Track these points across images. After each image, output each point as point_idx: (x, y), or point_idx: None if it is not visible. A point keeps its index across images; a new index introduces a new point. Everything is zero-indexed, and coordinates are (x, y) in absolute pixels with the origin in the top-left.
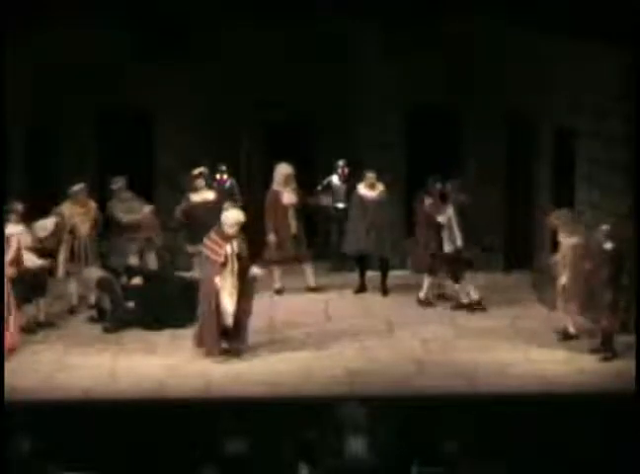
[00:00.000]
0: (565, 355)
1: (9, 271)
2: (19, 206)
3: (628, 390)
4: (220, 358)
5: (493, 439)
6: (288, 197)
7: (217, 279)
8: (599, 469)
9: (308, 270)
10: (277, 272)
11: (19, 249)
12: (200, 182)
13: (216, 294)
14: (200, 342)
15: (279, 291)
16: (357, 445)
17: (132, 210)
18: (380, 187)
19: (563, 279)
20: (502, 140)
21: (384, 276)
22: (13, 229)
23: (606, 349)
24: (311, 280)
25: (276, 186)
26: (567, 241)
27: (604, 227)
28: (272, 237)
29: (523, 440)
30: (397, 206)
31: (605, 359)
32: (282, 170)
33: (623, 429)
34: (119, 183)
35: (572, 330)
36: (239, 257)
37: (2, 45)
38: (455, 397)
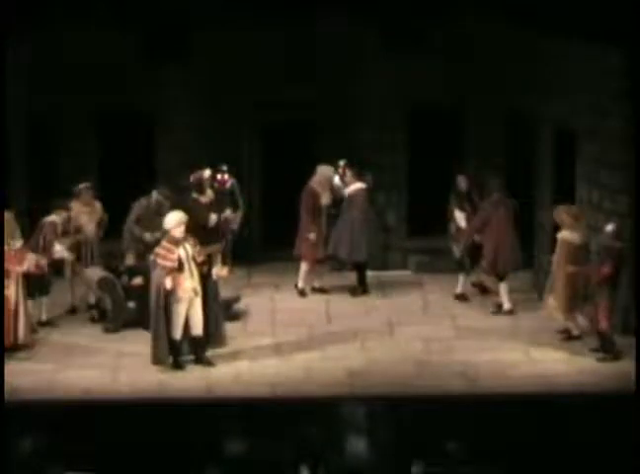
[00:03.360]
0: (565, 354)
1: (39, 260)
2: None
3: (628, 390)
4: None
5: (493, 439)
6: (326, 198)
7: (168, 285)
8: (598, 469)
9: (320, 270)
10: (304, 272)
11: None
12: (206, 183)
13: (169, 303)
14: (155, 357)
15: (302, 293)
16: (357, 445)
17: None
18: (355, 185)
19: (556, 276)
20: (502, 140)
21: (359, 275)
22: (57, 219)
23: (606, 350)
24: (318, 281)
25: (315, 185)
26: (566, 236)
27: (611, 226)
28: (308, 236)
29: (524, 440)
30: (398, 206)
31: (605, 360)
32: (325, 172)
33: (623, 429)
34: (162, 192)
35: (575, 331)
36: (195, 260)
37: (2, 45)
38: (455, 397)
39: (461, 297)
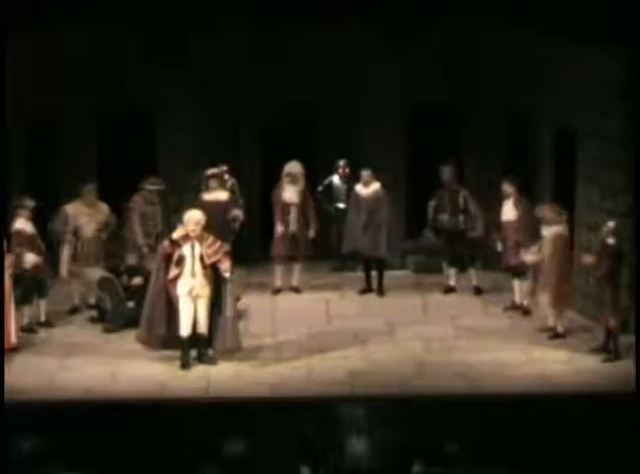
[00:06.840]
0: (565, 354)
1: (10, 269)
2: (29, 203)
3: (628, 390)
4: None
5: (493, 439)
6: (289, 194)
7: (169, 280)
8: (599, 469)
9: (296, 269)
10: (278, 271)
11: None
12: (213, 182)
13: (169, 297)
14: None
15: (276, 291)
16: (357, 445)
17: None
18: (376, 185)
19: (548, 272)
20: (502, 140)
21: (380, 276)
22: (23, 225)
23: (608, 349)
24: (295, 280)
25: (282, 182)
26: (548, 231)
27: (612, 223)
28: (276, 232)
29: (524, 440)
30: (397, 206)
31: (610, 360)
32: (287, 168)
33: (623, 429)
34: (155, 185)
35: (560, 329)
36: (203, 260)
37: (2, 45)
38: (455, 397)
39: (450, 290)
